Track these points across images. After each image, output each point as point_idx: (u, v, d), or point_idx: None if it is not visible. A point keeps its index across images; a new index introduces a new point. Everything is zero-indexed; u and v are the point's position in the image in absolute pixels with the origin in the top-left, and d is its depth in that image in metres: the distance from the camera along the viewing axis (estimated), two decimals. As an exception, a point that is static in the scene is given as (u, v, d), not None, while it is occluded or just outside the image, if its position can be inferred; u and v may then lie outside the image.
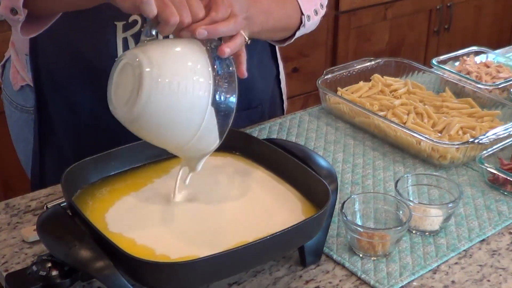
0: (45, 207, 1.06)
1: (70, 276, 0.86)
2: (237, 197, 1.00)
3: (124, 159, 1.04)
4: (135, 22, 1.14)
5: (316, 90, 1.44)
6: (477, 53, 1.62)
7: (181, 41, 0.92)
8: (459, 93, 1.46)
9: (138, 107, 0.87)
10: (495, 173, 1.18)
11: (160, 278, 0.83)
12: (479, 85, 1.45)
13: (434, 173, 1.18)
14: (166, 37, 0.95)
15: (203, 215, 0.97)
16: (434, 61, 1.56)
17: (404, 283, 0.97)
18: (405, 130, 1.27)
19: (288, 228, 0.87)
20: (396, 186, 1.09)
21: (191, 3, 0.91)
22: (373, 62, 1.52)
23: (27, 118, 1.34)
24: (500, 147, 1.23)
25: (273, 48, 1.41)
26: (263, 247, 0.86)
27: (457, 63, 1.58)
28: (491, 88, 1.46)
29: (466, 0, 3.18)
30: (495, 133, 1.25)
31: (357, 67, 1.50)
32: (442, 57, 1.58)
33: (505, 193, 1.17)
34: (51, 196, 1.14)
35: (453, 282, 0.98)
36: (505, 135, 1.25)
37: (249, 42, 1.00)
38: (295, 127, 1.37)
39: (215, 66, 0.90)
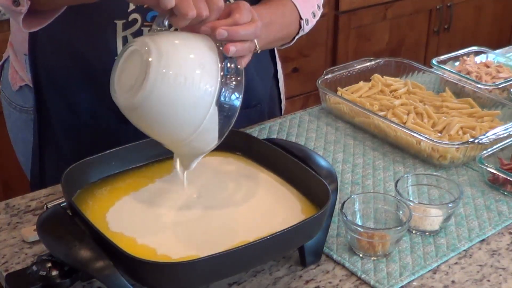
0: (45, 207, 1.06)
1: (70, 276, 0.86)
2: (238, 197, 1.00)
3: (124, 159, 1.03)
4: (134, 20, 1.14)
5: (316, 90, 1.44)
6: (477, 53, 1.62)
7: (193, 35, 0.91)
8: (459, 93, 1.46)
9: (141, 95, 0.86)
10: (495, 173, 1.18)
11: (160, 278, 0.83)
12: (479, 85, 1.45)
13: (434, 173, 1.18)
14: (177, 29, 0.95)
15: (203, 215, 0.97)
16: (434, 61, 1.56)
17: (404, 283, 0.97)
18: (405, 130, 1.27)
19: (288, 228, 0.87)
20: (396, 186, 1.09)
21: None
22: (373, 62, 1.52)
23: (26, 118, 1.34)
24: (500, 147, 1.23)
25: None
26: (263, 247, 0.86)
27: (457, 63, 1.58)
28: (491, 88, 1.46)
29: (466, 0, 3.18)
30: (495, 133, 1.25)
31: (357, 67, 1.50)
32: (442, 57, 1.58)
33: (505, 193, 1.17)
34: (51, 196, 1.14)
35: (453, 282, 0.98)
36: (505, 135, 1.25)
37: (258, 51, 1.00)
38: (295, 127, 1.37)
39: (224, 66, 0.89)
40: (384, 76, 1.50)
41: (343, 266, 1.00)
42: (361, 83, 1.48)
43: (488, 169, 1.18)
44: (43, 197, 1.14)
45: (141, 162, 1.05)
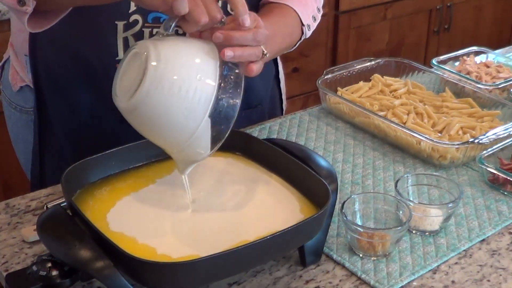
0: (45, 207, 1.06)
1: (70, 276, 0.86)
2: (238, 197, 1.00)
3: (124, 159, 1.04)
4: (135, 21, 1.14)
5: (316, 90, 1.44)
6: (477, 53, 1.62)
7: (197, 43, 0.91)
8: (459, 93, 1.46)
9: (135, 99, 0.87)
10: (495, 173, 1.18)
11: (160, 278, 0.83)
12: (479, 85, 1.46)
13: (434, 173, 1.18)
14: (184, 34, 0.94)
15: (204, 215, 0.97)
16: (434, 61, 1.56)
17: (404, 283, 0.97)
18: (405, 130, 1.27)
19: (288, 228, 0.87)
20: (396, 186, 1.09)
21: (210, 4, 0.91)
22: (373, 62, 1.52)
23: (26, 119, 1.34)
24: (500, 147, 1.23)
25: None
26: (263, 247, 0.86)
27: (457, 63, 1.59)
28: (491, 88, 1.46)
29: (466, 0, 3.18)
30: (495, 133, 1.25)
31: (357, 67, 1.50)
32: (442, 57, 1.58)
33: (505, 193, 1.17)
34: (51, 196, 1.14)
35: (453, 282, 0.98)
36: (505, 135, 1.25)
37: (267, 55, 0.99)
38: (295, 127, 1.37)
39: (223, 77, 0.89)
40: (384, 76, 1.50)
41: (343, 266, 1.00)
42: (361, 83, 1.48)
43: (488, 169, 1.18)
44: (43, 197, 1.14)
45: (141, 162, 1.05)
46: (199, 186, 1.02)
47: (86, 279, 0.91)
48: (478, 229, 1.09)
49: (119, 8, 1.13)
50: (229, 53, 0.90)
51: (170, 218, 0.96)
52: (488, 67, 1.56)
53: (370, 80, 1.50)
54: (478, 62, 1.59)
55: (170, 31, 0.91)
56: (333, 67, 1.48)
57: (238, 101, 0.90)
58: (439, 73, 1.52)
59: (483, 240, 1.07)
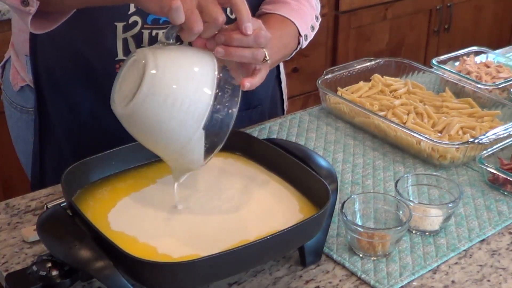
0: (45, 207, 1.06)
1: (70, 276, 0.86)
2: (238, 197, 1.00)
3: (124, 159, 1.04)
4: (135, 23, 1.14)
5: (316, 90, 1.44)
6: (477, 53, 1.62)
7: (197, 53, 0.91)
8: (459, 93, 1.46)
9: (131, 106, 0.87)
10: (495, 173, 1.18)
11: (160, 278, 0.83)
12: (479, 85, 1.46)
13: (434, 173, 1.18)
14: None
15: (204, 214, 0.97)
16: (434, 61, 1.56)
17: (404, 283, 0.97)
18: (405, 130, 1.27)
19: (288, 228, 0.87)
20: (396, 186, 1.09)
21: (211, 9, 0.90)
22: (373, 62, 1.52)
23: (27, 118, 1.34)
24: (500, 147, 1.23)
25: None
26: (263, 247, 0.86)
27: (457, 63, 1.59)
28: (491, 88, 1.46)
29: (466, 0, 3.18)
30: (495, 133, 1.25)
31: (357, 67, 1.50)
32: (442, 57, 1.58)
33: (505, 193, 1.17)
34: (51, 196, 1.14)
35: (453, 282, 0.98)
36: (505, 135, 1.25)
37: (268, 61, 0.98)
38: (295, 127, 1.37)
39: (220, 88, 0.89)
40: (384, 76, 1.50)
41: (343, 266, 1.00)
42: (361, 83, 1.48)
43: (488, 169, 1.18)
44: (43, 197, 1.14)
45: (141, 162, 1.05)
46: (200, 186, 1.02)
47: (86, 279, 0.91)
48: (478, 229, 1.09)
49: (119, 9, 1.13)
50: (220, 50, 0.90)
51: (170, 218, 0.96)
52: (488, 67, 1.56)
53: (370, 80, 1.50)
54: (478, 62, 1.59)
55: (171, 40, 0.91)
56: (333, 67, 1.48)
57: (233, 114, 0.90)
58: (439, 73, 1.52)
59: (483, 240, 1.07)
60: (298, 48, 1.26)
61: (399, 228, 1.00)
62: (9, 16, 1.91)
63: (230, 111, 0.90)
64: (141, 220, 0.95)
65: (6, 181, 2.24)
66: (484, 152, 1.22)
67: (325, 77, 1.45)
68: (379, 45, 2.97)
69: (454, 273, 1.00)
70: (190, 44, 0.94)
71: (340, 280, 0.98)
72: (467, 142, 1.23)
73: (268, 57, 0.97)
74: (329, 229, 1.01)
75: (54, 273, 0.85)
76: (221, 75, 0.90)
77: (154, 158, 1.05)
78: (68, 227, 0.87)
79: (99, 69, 1.20)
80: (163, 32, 1.15)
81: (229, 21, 1.17)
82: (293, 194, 1.00)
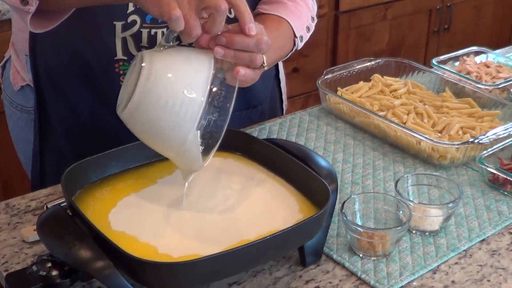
0: (45, 207, 1.06)
1: (70, 276, 0.86)
2: (238, 197, 1.00)
3: (124, 159, 1.04)
4: (134, 22, 1.14)
5: (316, 90, 1.44)
6: (477, 53, 1.62)
7: (195, 54, 0.91)
8: (459, 93, 1.46)
9: (128, 109, 0.89)
10: (495, 173, 1.18)
11: (160, 278, 0.83)
12: (479, 85, 1.46)
13: (434, 173, 1.18)
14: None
15: (204, 214, 0.97)
16: (434, 61, 1.56)
17: (404, 283, 0.97)
18: (405, 130, 1.27)
19: (288, 228, 0.87)
20: (396, 186, 1.09)
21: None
22: (373, 62, 1.52)
23: (27, 118, 1.34)
24: (500, 147, 1.23)
25: None
26: (264, 247, 0.86)
27: (457, 63, 1.59)
28: (491, 88, 1.46)
29: (466, 0, 3.18)
30: (495, 133, 1.25)
31: (357, 67, 1.50)
32: (442, 57, 1.58)
33: (505, 193, 1.17)
34: (51, 196, 1.14)
35: (453, 282, 0.98)
36: (505, 135, 1.25)
37: (265, 68, 0.99)
38: (295, 127, 1.37)
39: (214, 89, 0.89)
40: (384, 76, 1.50)
41: (343, 266, 1.00)
42: (361, 83, 1.48)
43: (488, 169, 1.18)
44: (43, 197, 1.14)
45: (142, 162, 1.05)
46: (199, 185, 1.02)
47: (86, 279, 0.91)
48: (478, 229, 1.09)
49: (117, 8, 1.13)
50: (219, 50, 0.90)
51: (171, 217, 0.96)
52: (488, 67, 1.56)
53: (370, 80, 1.50)
54: (478, 62, 1.59)
55: (171, 42, 0.92)
56: (333, 67, 1.48)
57: (227, 116, 0.91)
58: (439, 73, 1.52)
59: (483, 240, 1.07)
60: (294, 50, 1.26)
61: (399, 228, 1.00)
62: (9, 16, 1.91)
63: (224, 112, 0.91)
64: (142, 220, 0.95)
65: (6, 181, 2.24)
66: (484, 152, 1.22)
67: (325, 77, 1.45)
68: (379, 45, 2.97)
69: (454, 273, 1.00)
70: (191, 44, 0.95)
71: (340, 280, 0.98)
72: (467, 142, 1.23)
73: (266, 63, 0.98)
74: (329, 229, 1.01)
75: (54, 273, 0.85)
76: (217, 76, 0.90)
77: (154, 158, 1.05)
78: (68, 227, 0.87)
79: (99, 68, 1.20)
80: (162, 33, 1.15)
81: (228, 20, 1.17)
82: (293, 194, 1.00)
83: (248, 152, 1.08)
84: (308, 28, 1.28)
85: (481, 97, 1.42)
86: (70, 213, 0.90)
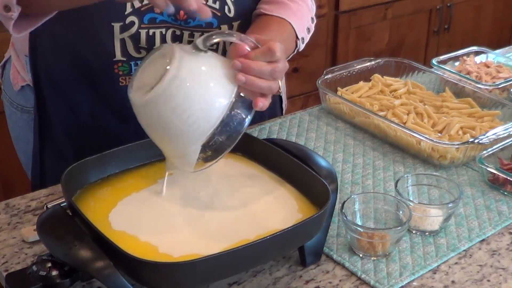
0: (45, 207, 1.06)
1: (70, 276, 0.86)
2: (237, 197, 1.00)
3: (124, 159, 1.04)
4: (132, 23, 1.14)
5: (316, 90, 1.44)
6: (477, 53, 1.62)
7: (221, 72, 0.90)
8: (459, 93, 1.46)
9: (144, 99, 0.89)
10: (495, 173, 1.18)
11: (159, 278, 0.83)
12: (479, 85, 1.46)
13: (434, 173, 1.18)
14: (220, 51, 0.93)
15: (204, 214, 0.97)
16: (434, 61, 1.56)
17: (404, 283, 0.97)
18: (405, 130, 1.27)
19: (288, 228, 0.87)
20: (396, 186, 1.09)
21: None
22: (373, 62, 1.52)
23: (27, 118, 1.34)
24: (500, 147, 1.23)
25: None
26: (263, 247, 0.86)
27: (457, 63, 1.59)
28: (491, 88, 1.46)
29: (466, 0, 3.18)
30: (495, 133, 1.25)
31: (357, 67, 1.50)
32: (442, 57, 1.58)
33: (505, 193, 1.17)
34: (51, 196, 1.14)
35: (453, 282, 0.98)
36: (505, 135, 1.25)
37: (281, 94, 0.99)
38: (295, 127, 1.37)
39: (230, 113, 0.89)
40: (384, 76, 1.50)
41: (343, 266, 1.00)
42: (361, 83, 1.48)
43: (488, 169, 1.18)
44: (43, 197, 1.14)
45: (142, 162, 1.05)
46: (200, 186, 1.02)
47: (86, 279, 0.91)
48: (478, 229, 1.09)
49: (115, 9, 1.13)
50: (241, 77, 0.90)
51: (171, 217, 0.96)
52: (488, 67, 1.56)
53: (370, 80, 1.50)
54: (478, 62, 1.59)
55: (205, 48, 0.90)
56: (333, 67, 1.48)
57: (235, 141, 0.92)
58: (439, 73, 1.52)
59: (483, 240, 1.07)
60: (295, 51, 1.26)
61: (399, 228, 1.00)
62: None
63: (232, 137, 0.91)
64: (142, 220, 0.95)
65: (6, 181, 2.24)
66: (484, 152, 1.22)
67: (325, 77, 1.45)
68: (379, 45, 2.97)
69: (454, 273, 1.00)
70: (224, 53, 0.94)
71: (340, 280, 0.98)
72: (467, 142, 1.23)
73: (281, 89, 0.97)
74: (329, 229, 1.01)
75: (54, 273, 0.85)
76: (236, 101, 0.90)
77: (154, 158, 1.05)
78: (68, 227, 0.87)
79: (98, 69, 1.20)
80: (160, 33, 1.14)
81: (224, 18, 1.17)
82: (293, 194, 1.00)
83: (248, 152, 1.08)
84: (308, 30, 1.28)
85: (481, 97, 1.42)
86: (70, 213, 0.90)
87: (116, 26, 1.14)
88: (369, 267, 0.99)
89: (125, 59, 1.17)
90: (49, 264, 0.86)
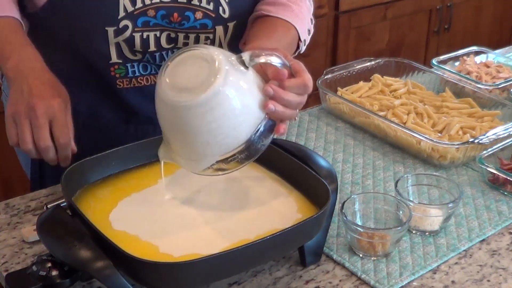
0: (45, 207, 1.06)
1: (70, 276, 0.86)
2: (238, 197, 1.01)
3: (124, 159, 1.03)
4: (125, 27, 1.13)
5: (316, 90, 1.44)
6: (477, 53, 1.63)
7: (257, 96, 0.90)
8: (459, 93, 1.46)
9: (178, 102, 0.87)
10: (495, 173, 1.18)
11: (159, 278, 0.83)
12: (479, 85, 1.46)
13: (434, 173, 1.18)
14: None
15: (204, 214, 0.97)
16: (434, 61, 1.56)
17: (404, 283, 0.97)
18: (405, 130, 1.27)
19: (288, 228, 0.87)
20: (396, 186, 1.09)
21: None
22: (373, 62, 1.52)
23: (26, 118, 1.33)
24: (500, 147, 1.23)
25: None
26: (263, 247, 0.86)
27: (457, 63, 1.59)
28: (491, 88, 1.46)
29: (466, 0, 3.18)
30: (495, 133, 1.25)
31: (357, 67, 1.50)
32: (442, 57, 1.58)
33: (505, 193, 1.17)
34: (51, 196, 1.14)
35: (453, 282, 0.98)
36: (505, 135, 1.25)
37: (295, 120, 1.00)
38: (295, 127, 1.37)
39: (253, 139, 0.90)
40: (384, 76, 1.50)
41: (343, 266, 1.00)
42: (361, 83, 1.48)
43: (488, 169, 1.18)
44: (43, 197, 1.14)
45: (142, 162, 1.05)
46: (200, 186, 1.02)
47: (86, 279, 0.91)
48: (478, 229, 1.09)
49: (108, 14, 1.12)
50: (271, 107, 0.90)
51: (171, 217, 0.96)
52: (488, 67, 1.56)
53: (370, 80, 1.50)
54: (478, 62, 1.59)
55: (249, 66, 0.90)
56: (333, 67, 1.48)
57: (251, 161, 0.93)
58: (439, 73, 1.52)
59: (483, 240, 1.07)
60: (297, 53, 1.26)
61: (399, 228, 1.00)
62: (9, 16, 1.91)
63: (250, 156, 0.92)
64: (143, 220, 0.95)
65: (6, 181, 2.24)
66: (484, 152, 1.22)
67: (325, 77, 1.45)
68: (379, 45, 2.97)
69: (454, 273, 1.00)
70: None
71: (340, 280, 0.98)
72: (467, 142, 1.23)
73: (297, 118, 1.00)
74: (329, 229, 1.01)
75: (54, 273, 0.85)
76: (263, 122, 0.91)
77: (154, 158, 1.05)
78: (68, 227, 0.87)
79: (96, 71, 1.19)
80: (155, 36, 1.14)
81: (219, 19, 1.17)
82: (293, 194, 1.00)
83: (248, 152, 1.08)
84: (309, 31, 1.28)
85: (481, 97, 1.42)
86: (70, 213, 0.90)
87: (110, 30, 1.13)
88: (369, 267, 0.99)
89: (121, 61, 1.17)
90: (49, 264, 0.86)
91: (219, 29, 1.18)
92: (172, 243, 0.90)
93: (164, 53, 1.18)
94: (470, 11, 3.24)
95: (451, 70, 1.53)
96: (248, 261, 0.89)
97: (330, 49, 2.84)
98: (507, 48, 1.81)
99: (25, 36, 1.08)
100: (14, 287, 0.87)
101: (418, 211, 1.05)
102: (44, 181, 1.31)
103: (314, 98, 2.94)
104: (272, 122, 0.92)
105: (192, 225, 0.95)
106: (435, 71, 1.53)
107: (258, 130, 0.90)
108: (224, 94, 0.86)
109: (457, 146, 1.23)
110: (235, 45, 1.22)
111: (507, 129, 1.26)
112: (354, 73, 1.49)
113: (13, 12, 1.10)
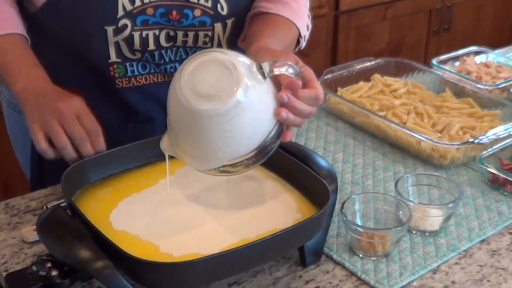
0: (45, 207, 1.06)
1: (70, 276, 0.86)
2: (238, 197, 1.01)
3: (125, 159, 1.04)
4: (124, 26, 1.13)
5: (316, 90, 1.44)
6: (477, 53, 1.63)
7: (270, 106, 0.91)
8: (459, 93, 1.46)
9: (197, 109, 0.86)
10: (495, 173, 1.18)
11: (159, 278, 0.83)
12: (479, 85, 1.46)
13: (434, 173, 1.18)
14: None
15: (204, 214, 0.97)
16: (434, 61, 1.56)
17: (404, 283, 0.97)
18: (405, 130, 1.27)
19: (288, 228, 0.87)
20: (396, 186, 1.09)
21: None
22: (373, 62, 1.52)
23: (25, 119, 1.33)
24: (500, 147, 1.23)
25: None
26: (263, 247, 0.86)
27: (457, 63, 1.59)
28: (491, 88, 1.46)
29: (466, 0, 3.18)
30: (495, 133, 1.25)
31: (357, 67, 1.50)
32: (442, 57, 1.58)
33: (505, 193, 1.17)
34: (51, 196, 1.14)
35: (453, 282, 0.98)
36: (505, 135, 1.25)
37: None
38: (295, 127, 1.37)
39: (266, 141, 0.91)
40: (384, 76, 1.50)
41: (343, 266, 1.00)
42: (361, 83, 1.48)
43: (488, 169, 1.18)
44: (43, 197, 1.14)
45: (142, 162, 1.05)
46: (201, 186, 1.02)
47: (86, 279, 0.91)
48: (478, 229, 1.09)
49: (107, 13, 1.12)
50: (284, 114, 0.91)
51: (172, 217, 0.96)
52: (488, 67, 1.56)
53: (370, 80, 1.50)
54: (478, 62, 1.59)
55: (266, 76, 0.90)
56: (333, 67, 1.48)
57: (255, 166, 0.93)
58: (439, 73, 1.52)
59: (483, 240, 1.07)
60: (297, 49, 1.26)
61: (399, 228, 1.00)
62: None
63: (257, 161, 0.92)
64: (143, 220, 0.95)
65: (6, 181, 2.24)
66: (484, 152, 1.22)
67: (325, 77, 1.45)
68: (379, 45, 2.97)
69: (454, 273, 1.00)
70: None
71: (340, 280, 0.98)
72: (467, 142, 1.23)
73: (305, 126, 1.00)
74: (329, 229, 1.01)
75: (54, 273, 0.85)
76: (274, 130, 0.91)
77: (155, 158, 1.05)
78: (67, 227, 0.87)
79: (95, 71, 1.19)
80: (154, 35, 1.14)
81: (217, 16, 1.17)
82: (293, 194, 1.00)
83: (248, 152, 1.08)
84: (307, 27, 1.28)
85: (481, 97, 1.42)
86: (70, 213, 0.90)
87: (109, 29, 1.13)
88: (369, 267, 0.99)
89: (120, 60, 1.17)
90: (49, 264, 0.86)
91: (218, 27, 1.18)
92: (172, 243, 0.90)
93: (163, 51, 1.18)
94: (470, 11, 3.24)
95: (451, 70, 1.53)
96: (248, 261, 0.89)
97: (330, 49, 2.84)
98: (507, 48, 1.81)
99: (32, 55, 1.10)
100: (14, 287, 0.87)
101: (418, 211, 1.05)
102: (44, 181, 1.31)
103: (314, 98, 2.90)
104: (281, 129, 0.93)
105: (192, 225, 0.95)
106: (435, 71, 1.53)
107: (269, 137, 0.91)
108: (244, 105, 0.87)
109: (457, 146, 1.23)
110: (234, 42, 1.22)
111: (507, 129, 1.26)
112: (354, 73, 1.49)
113: (17, 27, 1.11)
